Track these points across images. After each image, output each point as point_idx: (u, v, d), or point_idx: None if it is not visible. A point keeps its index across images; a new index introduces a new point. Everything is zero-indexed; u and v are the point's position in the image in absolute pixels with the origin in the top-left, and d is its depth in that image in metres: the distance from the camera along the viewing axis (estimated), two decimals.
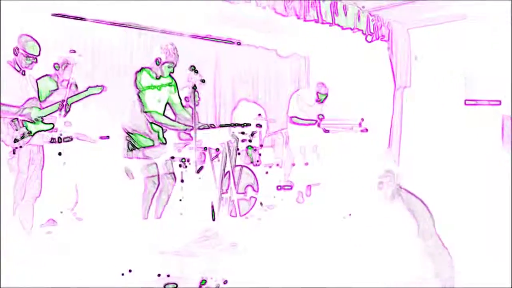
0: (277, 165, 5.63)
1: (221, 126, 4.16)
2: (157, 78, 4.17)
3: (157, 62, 4.13)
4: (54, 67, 4.01)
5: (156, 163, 4.19)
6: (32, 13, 4.34)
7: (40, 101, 3.78)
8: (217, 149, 4.36)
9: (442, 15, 5.23)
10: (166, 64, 4.14)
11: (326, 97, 5.57)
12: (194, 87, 3.77)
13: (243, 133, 4.21)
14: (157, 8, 4.53)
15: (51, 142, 3.87)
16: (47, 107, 3.70)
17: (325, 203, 5.18)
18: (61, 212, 4.16)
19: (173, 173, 4.29)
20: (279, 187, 5.48)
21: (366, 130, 5.30)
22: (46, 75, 3.96)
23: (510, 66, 5.03)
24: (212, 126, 4.26)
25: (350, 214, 4.78)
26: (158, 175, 4.16)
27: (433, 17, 5.35)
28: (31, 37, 3.76)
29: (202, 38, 5.66)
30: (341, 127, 5.39)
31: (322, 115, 5.62)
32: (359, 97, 5.54)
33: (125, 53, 5.04)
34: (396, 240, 3.95)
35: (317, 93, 5.54)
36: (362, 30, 5.07)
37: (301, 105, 5.56)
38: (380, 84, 5.62)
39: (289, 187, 5.56)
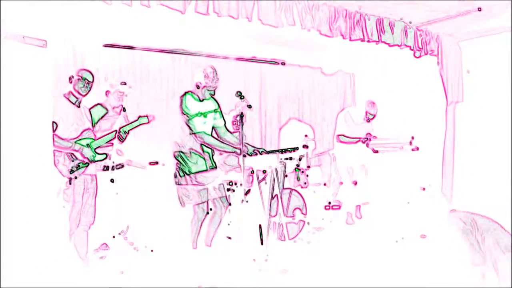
0: (324, 184, 5.53)
1: (268, 152, 4.12)
2: (201, 100, 4.22)
3: (198, 86, 4.19)
4: (106, 95, 4.14)
5: (207, 189, 4.21)
6: (85, 45, 4.55)
7: (92, 126, 3.91)
8: (264, 171, 4.34)
9: (494, 25, 5.01)
10: (205, 88, 4.19)
11: (374, 116, 5.45)
12: (242, 115, 3.79)
13: (290, 158, 4.16)
14: (201, 33, 4.60)
15: (104, 170, 3.99)
16: (100, 138, 3.82)
17: (376, 225, 5.03)
18: (113, 237, 4.28)
19: (226, 197, 4.31)
20: (327, 207, 5.39)
21: (417, 148, 5.11)
22: (98, 104, 4.07)
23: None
24: (260, 151, 4.22)
25: (402, 238, 4.62)
26: (207, 202, 4.18)
27: (485, 28, 5.13)
28: (86, 70, 3.91)
29: (247, 60, 5.71)
30: (391, 146, 5.23)
31: (371, 134, 5.49)
32: (409, 115, 5.38)
33: (173, 79, 5.16)
34: (451, 268, 3.77)
35: (367, 112, 5.42)
36: (409, 46, 4.92)
37: (349, 124, 5.46)
38: (431, 100, 5.43)
39: (337, 207, 5.45)
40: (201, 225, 4.19)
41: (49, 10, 2.97)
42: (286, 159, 4.12)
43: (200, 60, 5.15)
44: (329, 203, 5.42)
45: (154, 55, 5.05)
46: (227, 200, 4.26)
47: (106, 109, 4.07)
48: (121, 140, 3.94)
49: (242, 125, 3.75)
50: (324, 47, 5.09)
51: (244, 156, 3.90)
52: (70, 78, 3.79)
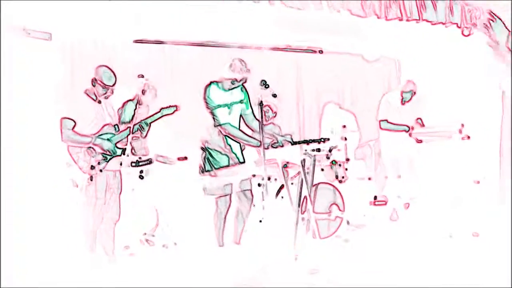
0: (369, 178, 5.19)
1: (293, 143, 3.86)
2: (229, 89, 4.03)
3: (233, 82, 3.99)
4: (143, 93, 4.06)
5: (231, 184, 4.04)
6: (113, 41, 4.53)
7: (128, 122, 3.84)
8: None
9: None
10: (233, 80, 4.00)
11: (411, 96, 5.01)
12: (261, 104, 3.57)
13: (318, 150, 3.86)
14: (232, 23, 4.43)
15: (132, 166, 3.91)
16: (120, 132, 3.75)
17: (423, 222, 4.62)
18: (145, 234, 4.23)
19: (251, 191, 4.12)
20: (371, 203, 5.05)
21: (468, 137, 4.63)
22: (129, 100, 3.98)
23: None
24: (290, 141, 3.98)
25: (451, 236, 4.22)
26: (230, 195, 4.01)
27: None
28: (108, 68, 3.82)
29: (282, 49, 5.48)
30: (437, 135, 4.78)
31: (421, 119, 5.07)
32: (458, 100, 4.89)
33: (201, 71, 5.04)
34: (506, 270, 3.35)
35: (402, 92, 5.03)
36: (456, 23, 4.45)
37: (391, 108, 5.08)
38: (484, 83, 4.91)
39: (383, 202, 5.09)
40: (224, 220, 4.02)
41: (54, 3, 2.92)
42: (313, 150, 3.84)
43: (231, 51, 5.01)
44: (375, 197, 5.08)
45: (184, 48, 4.99)
46: (251, 194, 4.06)
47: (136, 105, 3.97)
48: (143, 132, 3.83)
49: (262, 114, 3.53)
50: (361, 31, 4.73)
51: (266, 148, 3.68)
52: (92, 81, 3.72)
